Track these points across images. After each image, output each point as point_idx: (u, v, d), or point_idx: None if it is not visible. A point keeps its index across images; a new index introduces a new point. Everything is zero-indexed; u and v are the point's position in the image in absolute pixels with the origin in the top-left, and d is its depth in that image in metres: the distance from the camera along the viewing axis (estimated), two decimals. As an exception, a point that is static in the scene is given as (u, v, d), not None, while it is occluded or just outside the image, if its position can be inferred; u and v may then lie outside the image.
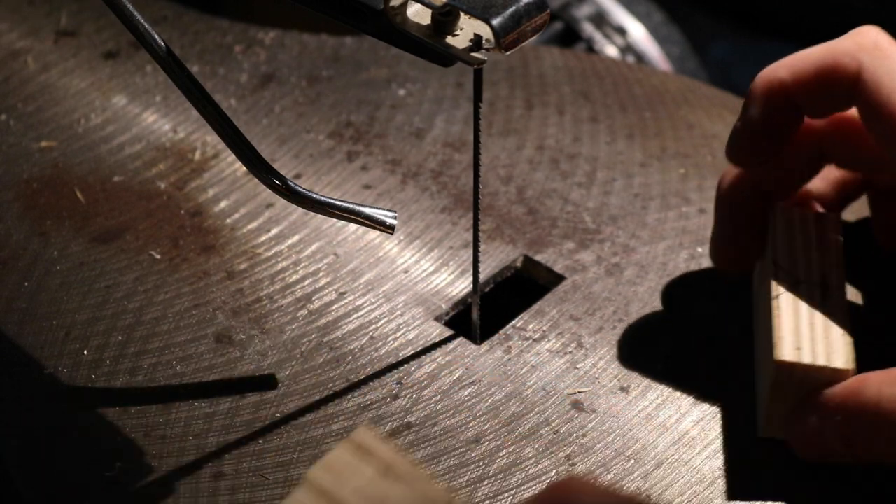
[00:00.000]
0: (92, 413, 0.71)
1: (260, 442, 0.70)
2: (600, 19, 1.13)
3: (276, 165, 0.78)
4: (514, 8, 0.64)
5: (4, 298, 0.77)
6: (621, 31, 1.13)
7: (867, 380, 0.66)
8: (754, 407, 0.72)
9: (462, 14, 0.65)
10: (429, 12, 0.65)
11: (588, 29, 1.13)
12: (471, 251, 0.78)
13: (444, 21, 0.65)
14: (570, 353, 0.75)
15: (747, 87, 0.72)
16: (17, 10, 0.95)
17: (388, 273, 0.79)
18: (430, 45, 0.65)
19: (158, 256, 0.79)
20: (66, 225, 0.81)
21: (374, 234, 0.80)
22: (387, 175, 0.85)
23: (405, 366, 0.74)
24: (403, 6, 0.65)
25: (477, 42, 0.65)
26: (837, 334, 0.69)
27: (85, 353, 0.74)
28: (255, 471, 0.69)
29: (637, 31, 1.13)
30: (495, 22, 0.63)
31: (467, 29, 0.65)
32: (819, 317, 0.70)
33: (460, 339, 0.75)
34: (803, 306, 0.70)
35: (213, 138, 0.86)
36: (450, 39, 0.65)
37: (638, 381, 0.73)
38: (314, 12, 0.68)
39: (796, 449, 0.69)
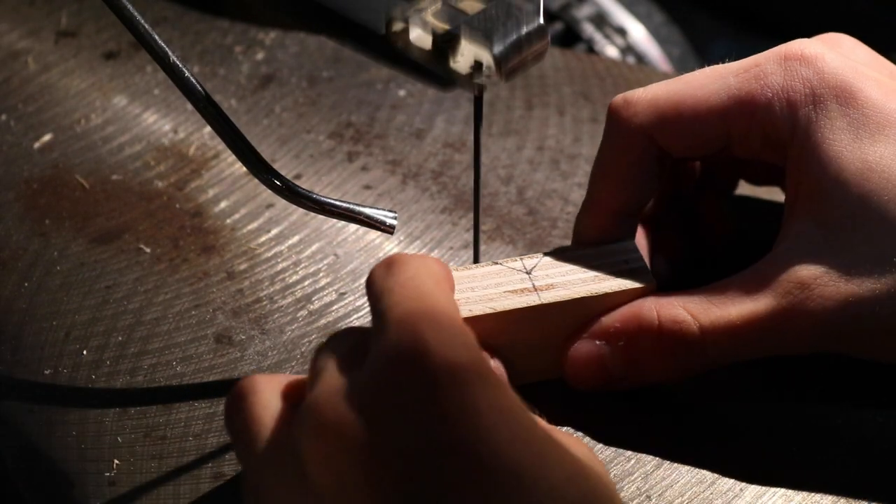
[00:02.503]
0: (92, 413, 0.71)
1: (260, 442, 0.70)
2: (601, 20, 1.13)
3: (276, 166, 0.78)
4: (515, 36, 0.63)
5: (4, 298, 0.77)
6: (622, 31, 1.13)
7: (642, 304, 0.68)
8: (754, 407, 0.72)
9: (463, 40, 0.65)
10: (430, 37, 0.65)
11: (588, 29, 1.13)
12: (471, 252, 0.78)
13: (446, 46, 0.65)
14: (570, 353, 0.75)
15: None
16: (17, 11, 0.95)
17: (388, 273, 0.79)
18: (431, 70, 0.65)
19: (158, 256, 0.79)
20: (66, 225, 0.81)
21: (374, 235, 0.80)
22: (387, 175, 0.85)
23: (405, 366, 0.74)
24: (405, 31, 0.65)
25: (478, 67, 0.64)
26: None
27: (85, 353, 0.74)
28: (255, 471, 0.69)
29: (637, 32, 1.14)
30: (497, 50, 0.63)
31: (468, 54, 0.65)
32: None
33: (460, 340, 0.75)
34: None
35: (213, 139, 0.86)
36: (451, 64, 0.65)
37: (638, 382, 0.73)
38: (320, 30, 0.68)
39: (571, 378, 0.69)
